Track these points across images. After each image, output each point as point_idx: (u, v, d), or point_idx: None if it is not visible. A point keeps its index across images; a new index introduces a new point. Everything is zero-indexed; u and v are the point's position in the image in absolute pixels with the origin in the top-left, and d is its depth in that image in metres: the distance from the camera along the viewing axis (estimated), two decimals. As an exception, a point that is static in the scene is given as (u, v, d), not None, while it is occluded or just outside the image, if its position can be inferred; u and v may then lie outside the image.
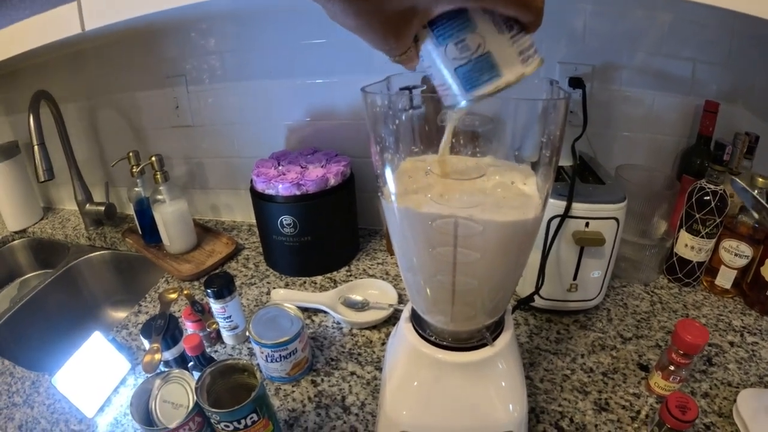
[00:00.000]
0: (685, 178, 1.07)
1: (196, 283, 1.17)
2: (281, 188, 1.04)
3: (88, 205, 1.49)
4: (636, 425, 0.73)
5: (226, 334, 0.94)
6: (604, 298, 0.96)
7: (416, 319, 0.61)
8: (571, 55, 1.03)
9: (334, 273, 1.17)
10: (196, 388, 0.65)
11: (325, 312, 1.00)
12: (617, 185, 0.89)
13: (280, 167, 1.11)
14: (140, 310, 1.10)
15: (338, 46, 1.11)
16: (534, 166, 0.49)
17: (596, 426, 0.73)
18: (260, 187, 1.07)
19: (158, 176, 1.18)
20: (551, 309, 0.95)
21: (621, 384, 0.80)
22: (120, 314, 1.47)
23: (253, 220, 1.18)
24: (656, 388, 0.77)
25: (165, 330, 0.81)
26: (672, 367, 0.74)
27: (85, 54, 1.32)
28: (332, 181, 1.07)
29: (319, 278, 1.15)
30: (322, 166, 1.10)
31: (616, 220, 0.84)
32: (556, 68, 1.04)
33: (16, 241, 1.59)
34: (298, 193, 1.04)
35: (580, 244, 0.84)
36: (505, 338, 0.58)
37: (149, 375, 0.71)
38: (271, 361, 0.81)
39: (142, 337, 0.83)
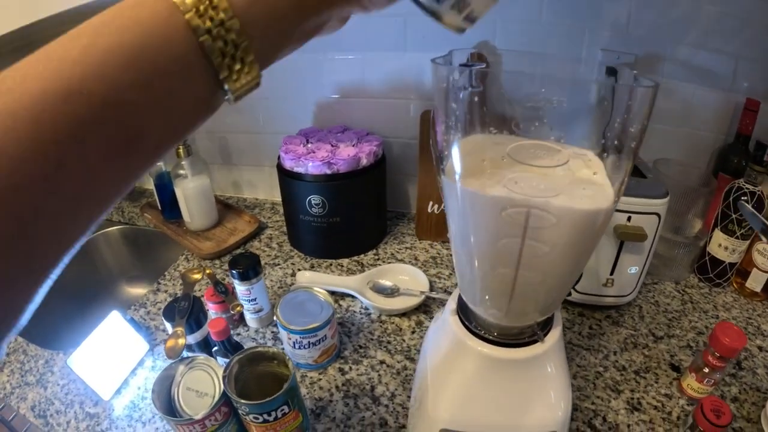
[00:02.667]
0: (721, 176, 1.04)
1: (217, 261, 1.15)
2: (311, 167, 1.01)
3: (104, 178, 1.46)
4: (667, 426, 0.71)
5: (249, 317, 0.92)
6: (636, 295, 0.94)
7: (463, 311, 0.59)
8: (614, 44, 0.99)
9: (362, 256, 1.15)
10: (223, 377, 0.62)
11: (352, 296, 0.98)
12: (658, 179, 0.87)
13: (309, 145, 1.09)
14: (159, 288, 1.08)
15: (371, 20, 1.06)
16: (604, 154, 0.46)
17: (629, 426, 0.72)
18: (289, 164, 1.04)
19: (181, 150, 1.15)
20: (584, 303, 0.93)
21: (653, 384, 0.79)
22: (136, 290, 1.45)
23: (277, 198, 1.15)
24: (689, 390, 0.75)
25: (189, 313, 0.78)
26: (706, 370, 0.72)
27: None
28: (364, 161, 1.04)
29: (345, 261, 1.13)
30: (353, 145, 1.07)
31: (658, 215, 0.82)
32: (599, 55, 1.01)
33: (31, 216, 1.57)
34: (328, 172, 1.01)
35: (622, 238, 0.82)
36: (555, 335, 0.56)
37: (172, 361, 0.69)
38: (299, 348, 0.79)
39: (164, 320, 0.81)
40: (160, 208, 1.31)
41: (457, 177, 0.45)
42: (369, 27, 1.07)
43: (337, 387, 0.80)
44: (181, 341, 0.75)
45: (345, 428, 0.73)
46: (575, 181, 0.44)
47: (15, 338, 0.93)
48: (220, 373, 0.64)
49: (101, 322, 0.85)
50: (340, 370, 0.83)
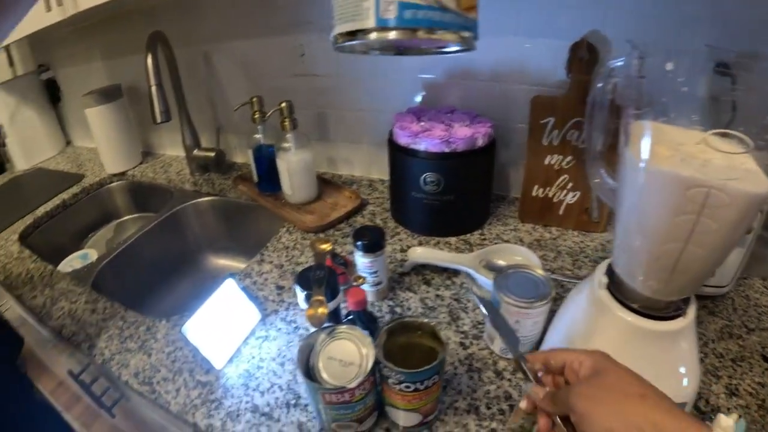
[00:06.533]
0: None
1: (321, 235, 1.18)
2: (429, 144, 1.01)
3: (196, 150, 1.48)
4: (762, 413, 0.74)
5: (368, 290, 0.92)
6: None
7: (613, 285, 0.64)
8: (712, 39, 0.98)
9: (468, 236, 1.15)
10: (376, 346, 0.64)
11: (460, 273, 1.00)
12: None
13: (422, 123, 1.09)
14: (263, 259, 1.11)
15: (484, 3, 1.07)
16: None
17: (728, 409, 0.74)
18: (404, 141, 1.05)
19: (286, 123, 1.17)
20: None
21: (748, 372, 0.81)
22: (222, 261, 1.47)
23: (374, 176, 1.12)
24: (780, 380, 0.78)
25: (326, 282, 0.78)
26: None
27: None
28: (480, 142, 1.04)
29: (453, 239, 1.13)
30: (467, 126, 1.06)
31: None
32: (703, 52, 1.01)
33: (113, 184, 1.61)
34: (446, 150, 1.01)
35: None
36: (693, 310, 0.61)
37: (316, 329, 0.69)
38: None
39: (297, 288, 0.82)
40: (255, 180, 1.33)
41: (643, 157, 0.50)
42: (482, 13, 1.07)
43: (460, 361, 0.82)
44: (322, 310, 0.72)
45: (472, 400, 0.75)
46: (749, 168, 0.49)
47: (111, 304, 1.00)
48: (366, 342, 0.65)
49: (217, 290, 0.85)
50: (462, 344, 0.85)
